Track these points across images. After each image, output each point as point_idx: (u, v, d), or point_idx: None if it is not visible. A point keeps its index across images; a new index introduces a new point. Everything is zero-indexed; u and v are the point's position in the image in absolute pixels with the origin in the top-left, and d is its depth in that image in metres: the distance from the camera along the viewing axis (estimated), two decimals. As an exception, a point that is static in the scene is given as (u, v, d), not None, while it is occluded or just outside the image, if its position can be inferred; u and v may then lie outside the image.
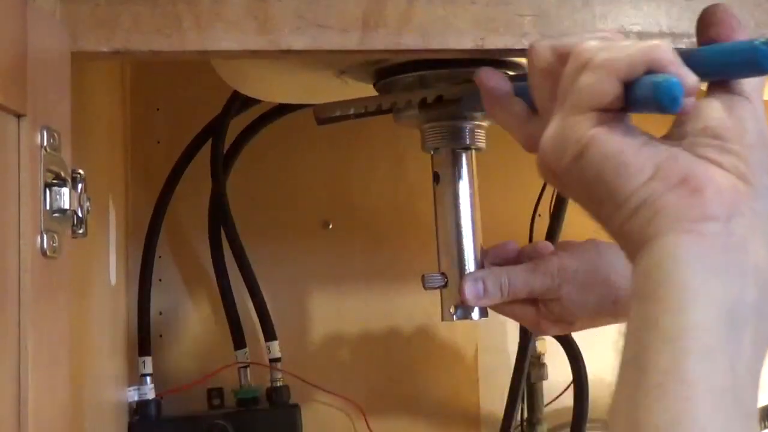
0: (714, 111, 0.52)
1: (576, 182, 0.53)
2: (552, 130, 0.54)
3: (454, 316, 0.87)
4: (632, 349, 0.47)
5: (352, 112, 0.90)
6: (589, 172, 0.51)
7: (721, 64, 0.52)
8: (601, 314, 0.85)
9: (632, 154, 0.50)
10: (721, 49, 0.53)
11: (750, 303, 0.46)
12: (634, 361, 0.46)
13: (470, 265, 0.87)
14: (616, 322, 0.87)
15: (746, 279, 0.46)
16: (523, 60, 0.85)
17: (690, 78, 0.50)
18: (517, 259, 0.89)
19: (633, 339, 0.47)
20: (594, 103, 0.52)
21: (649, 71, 0.51)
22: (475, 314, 0.87)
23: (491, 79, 0.66)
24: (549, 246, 0.88)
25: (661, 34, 0.66)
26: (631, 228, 0.50)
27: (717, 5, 0.55)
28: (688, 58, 0.52)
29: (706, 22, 0.55)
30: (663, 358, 0.44)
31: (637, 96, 0.51)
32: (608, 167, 0.51)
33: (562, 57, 0.55)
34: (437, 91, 0.83)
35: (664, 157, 0.50)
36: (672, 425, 0.43)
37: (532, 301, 0.86)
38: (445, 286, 0.87)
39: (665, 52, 0.51)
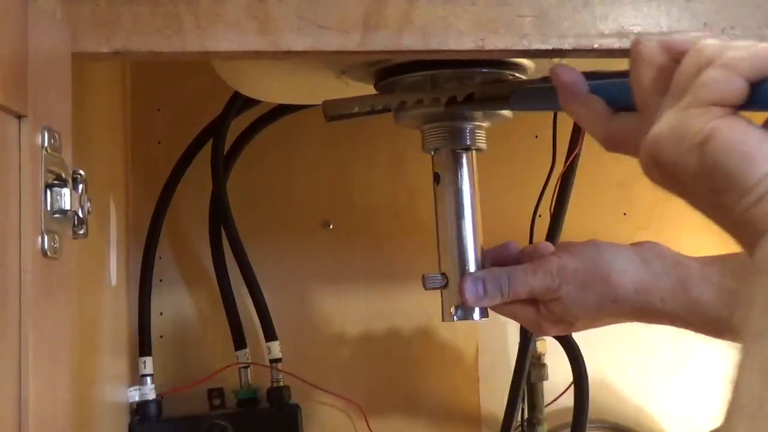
0: None
1: (691, 173, 0.54)
2: (668, 121, 0.55)
3: (455, 317, 0.87)
4: (761, 322, 0.48)
5: (368, 109, 0.89)
6: (711, 161, 0.52)
7: None
8: (601, 314, 0.85)
9: (755, 144, 0.51)
10: None
11: None
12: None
13: (471, 266, 0.87)
14: (616, 321, 0.87)
15: None
16: (523, 60, 0.85)
17: None
18: (518, 259, 0.89)
19: (760, 312, 0.49)
20: (718, 98, 0.53)
21: None
22: (476, 315, 0.87)
23: (568, 74, 0.66)
24: (550, 247, 0.88)
25: (662, 35, 0.66)
26: (754, 215, 0.52)
27: None
28: None
29: None
30: None
31: (763, 96, 0.52)
32: (733, 156, 0.51)
33: (676, 54, 0.57)
34: (468, 89, 0.83)
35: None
36: None
37: (533, 301, 0.86)
38: (446, 286, 0.87)
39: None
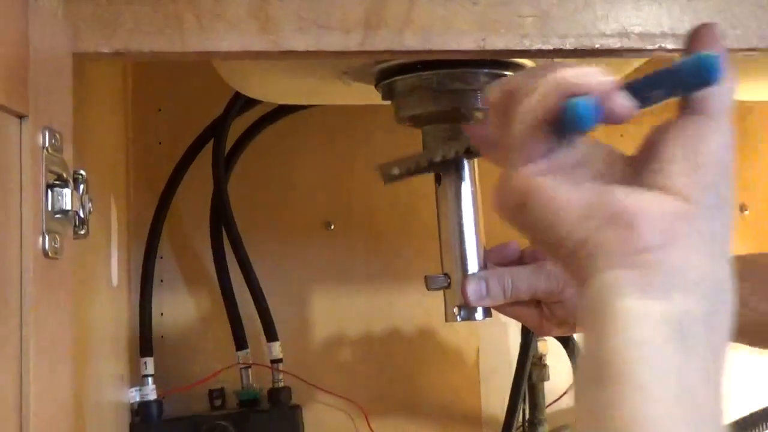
0: (667, 133, 0.53)
1: (524, 228, 0.54)
2: (498, 181, 0.55)
3: (458, 317, 0.87)
4: (587, 370, 0.47)
5: (412, 168, 0.89)
6: (530, 220, 0.52)
7: (672, 81, 0.52)
8: None
9: (565, 197, 0.51)
10: (672, 66, 0.53)
11: (699, 316, 0.46)
12: (591, 380, 0.47)
13: (473, 266, 0.87)
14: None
15: (690, 295, 0.47)
16: (525, 61, 0.85)
17: (615, 101, 0.51)
18: (520, 259, 0.89)
19: (585, 362, 0.48)
20: (524, 149, 0.53)
21: (574, 95, 0.51)
22: (479, 314, 0.87)
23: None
24: None
25: (663, 35, 0.66)
26: (573, 268, 0.51)
27: (704, 24, 0.55)
28: (641, 80, 0.52)
29: (688, 41, 0.55)
30: (612, 372, 0.45)
31: (561, 122, 0.52)
32: (544, 215, 0.51)
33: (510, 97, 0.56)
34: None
35: (596, 195, 0.50)
36: (628, 428, 0.43)
37: (536, 302, 0.86)
38: (448, 286, 0.87)
39: (581, 77, 0.51)
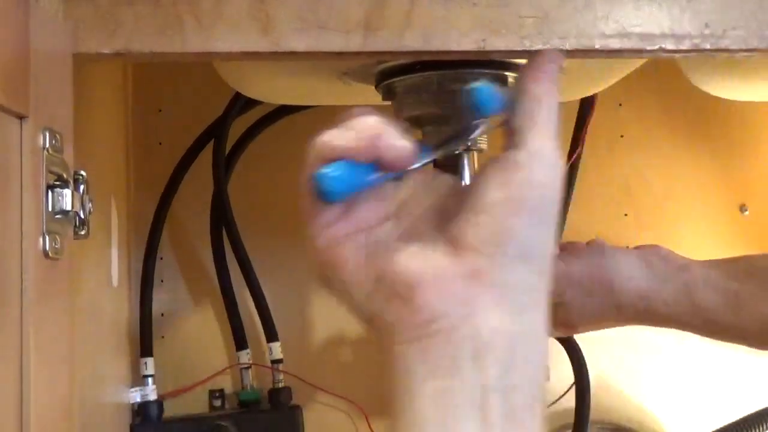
0: (482, 172, 0.50)
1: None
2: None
3: None
4: None
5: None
6: (335, 290, 0.52)
7: (459, 115, 0.52)
8: (604, 318, 0.85)
9: (354, 270, 0.49)
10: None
11: (491, 380, 0.45)
12: None
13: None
14: (620, 325, 0.87)
15: (480, 361, 0.45)
16: (525, 61, 0.85)
17: (385, 151, 0.48)
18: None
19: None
20: (311, 216, 0.51)
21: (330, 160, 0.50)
22: None
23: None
24: None
25: (663, 35, 0.66)
26: (376, 337, 0.49)
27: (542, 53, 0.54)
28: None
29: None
30: None
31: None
32: (340, 286, 0.51)
33: None
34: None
35: (382, 265, 0.48)
36: None
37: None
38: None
39: (333, 139, 0.50)
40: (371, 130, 0.49)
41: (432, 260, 0.47)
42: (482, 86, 0.50)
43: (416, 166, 0.51)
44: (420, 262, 0.47)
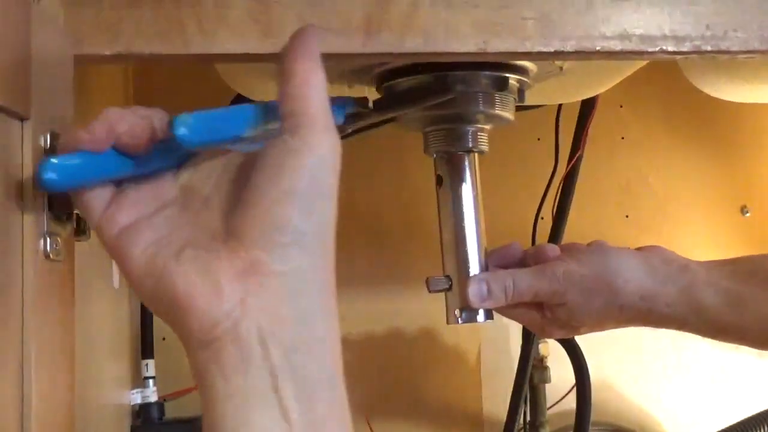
0: (256, 159, 0.49)
1: None
2: None
3: (459, 319, 0.87)
4: None
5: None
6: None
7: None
8: (606, 320, 0.85)
9: (134, 271, 0.49)
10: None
11: (277, 364, 0.45)
12: None
13: (474, 268, 0.87)
14: (622, 326, 0.87)
15: (265, 348, 0.45)
16: (526, 63, 0.85)
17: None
18: (522, 261, 0.89)
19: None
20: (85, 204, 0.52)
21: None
22: (480, 317, 0.87)
23: None
24: (555, 249, 0.88)
25: (664, 37, 0.66)
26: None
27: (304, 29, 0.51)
28: None
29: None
30: None
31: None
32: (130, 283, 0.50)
33: None
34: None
35: (160, 275, 0.47)
36: None
37: (537, 305, 0.86)
38: (450, 288, 0.87)
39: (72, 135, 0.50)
40: (109, 117, 0.50)
41: (207, 264, 0.47)
42: (182, 117, 0.48)
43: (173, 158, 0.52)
44: (194, 269, 0.47)
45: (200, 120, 0.49)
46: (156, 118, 0.51)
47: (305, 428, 0.45)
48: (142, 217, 0.50)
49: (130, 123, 0.50)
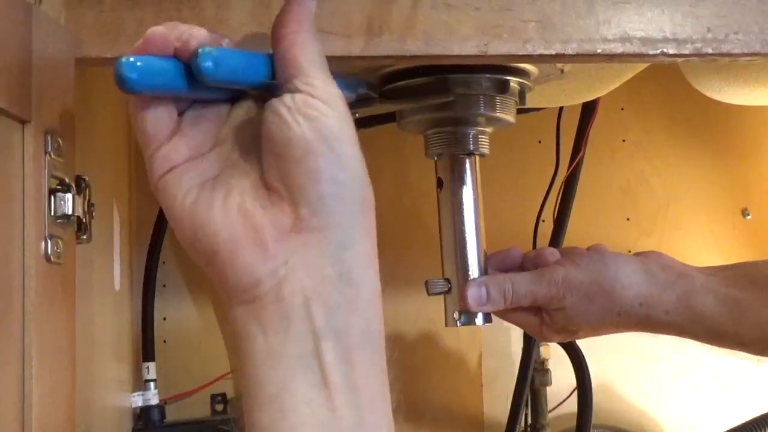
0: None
1: None
2: None
3: (458, 322, 0.87)
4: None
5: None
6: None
7: None
8: (604, 325, 0.85)
9: (178, 214, 0.49)
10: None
11: (319, 327, 0.46)
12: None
13: (474, 271, 0.87)
14: (620, 332, 0.87)
15: (308, 309, 0.46)
16: (527, 66, 0.85)
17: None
18: (521, 265, 0.89)
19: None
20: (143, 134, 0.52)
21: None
22: (479, 320, 0.87)
23: None
24: (555, 253, 0.88)
25: (665, 40, 0.66)
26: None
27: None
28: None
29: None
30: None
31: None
32: (173, 225, 0.50)
33: None
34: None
35: (203, 222, 0.48)
36: None
37: (536, 309, 0.86)
38: (449, 291, 0.87)
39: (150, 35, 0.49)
40: (182, 27, 0.49)
41: (251, 218, 0.47)
42: (207, 50, 0.48)
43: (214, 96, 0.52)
44: (239, 222, 0.47)
45: (225, 55, 0.49)
46: (214, 36, 0.50)
47: (345, 391, 0.45)
48: (194, 155, 0.50)
49: (182, 31, 0.49)
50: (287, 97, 0.48)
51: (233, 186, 0.49)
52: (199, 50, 0.48)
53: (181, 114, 0.52)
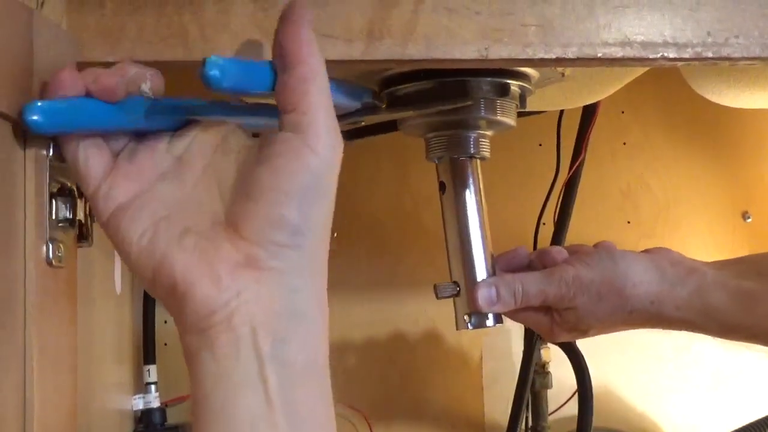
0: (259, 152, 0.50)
1: None
2: None
3: (469, 324, 0.87)
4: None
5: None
6: None
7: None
8: (615, 323, 0.85)
9: (135, 257, 0.50)
10: None
11: (266, 354, 0.47)
12: None
13: (482, 273, 0.87)
14: (630, 329, 0.87)
15: (256, 339, 0.47)
16: (528, 70, 0.85)
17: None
18: (529, 265, 0.89)
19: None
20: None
21: None
22: (490, 321, 0.87)
23: None
24: (562, 251, 0.88)
25: (665, 44, 0.66)
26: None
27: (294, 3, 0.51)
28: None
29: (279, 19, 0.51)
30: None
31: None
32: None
33: None
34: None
35: (160, 259, 0.49)
36: None
37: (546, 308, 0.86)
38: (458, 294, 0.87)
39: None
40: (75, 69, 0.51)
41: (207, 253, 0.48)
42: (214, 58, 0.48)
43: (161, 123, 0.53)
44: (195, 258, 0.48)
45: (232, 65, 0.49)
46: (134, 71, 0.51)
47: (287, 414, 0.47)
48: (139, 192, 0.51)
49: (97, 73, 0.51)
50: (289, 138, 0.48)
51: (189, 226, 0.49)
52: (206, 59, 0.48)
53: (117, 153, 0.53)
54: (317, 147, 0.48)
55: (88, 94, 0.51)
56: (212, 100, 0.55)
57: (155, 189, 0.51)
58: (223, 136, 0.53)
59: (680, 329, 0.86)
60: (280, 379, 0.47)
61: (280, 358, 0.47)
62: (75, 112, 0.50)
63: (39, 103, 0.49)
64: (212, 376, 0.47)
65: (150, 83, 0.51)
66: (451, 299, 0.88)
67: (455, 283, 0.88)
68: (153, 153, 0.53)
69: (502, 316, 0.88)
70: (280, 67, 0.50)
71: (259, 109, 0.57)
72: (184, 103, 0.54)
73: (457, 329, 0.89)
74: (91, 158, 0.51)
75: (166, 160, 0.53)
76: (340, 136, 0.50)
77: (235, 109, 0.56)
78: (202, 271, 0.47)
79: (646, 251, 0.88)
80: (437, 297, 0.87)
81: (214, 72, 0.48)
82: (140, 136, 0.53)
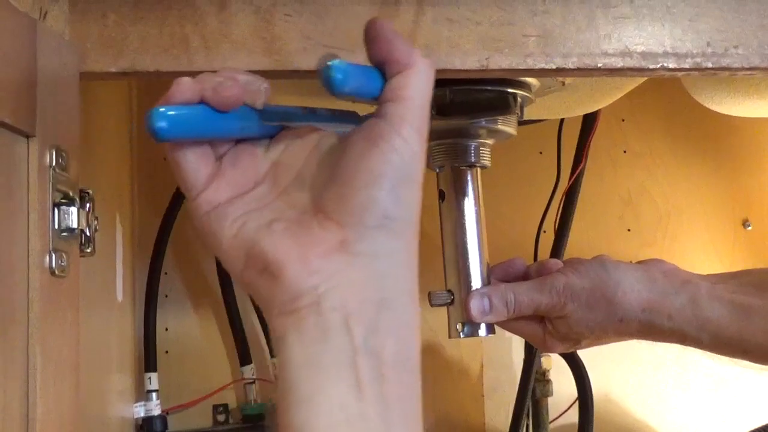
0: (346, 140, 0.50)
1: None
2: None
3: (462, 333, 0.87)
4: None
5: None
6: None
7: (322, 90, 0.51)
8: (607, 333, 0.85)
9: (226, 243, 0.50)
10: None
11: (358, 343, 0.47)
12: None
13: (476, 282, 0.87)
14: (623, 339, 0.87)
15: (348, 326, 0.46)
16: (529, 79, 0.85)
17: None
18: (525, 276, 0.89)
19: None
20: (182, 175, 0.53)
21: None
22: (482, 331, 0.87)
23: None
24: (558, 263, 0.88)
25: (665, 54, 0.67)
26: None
27: (373, 20, 0.51)
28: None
29: (365, 39, 0.52)
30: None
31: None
32: (218, 256, 0.51)
33: None
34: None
35: (249, 244, 0.49)
36: None
37: (539, 318, 0.86)
38: (452, 303, 0.87)
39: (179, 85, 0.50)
40: (218, 76, 0.50)
41: (298, 237, 0.48)
42: (337, 63, 0.48)
43: (273, 125, 0.53)
44: (286, 240, 0.48)
45: (354, 69, 0.49)
46: (253, 82, 0.51)
47: (377, 403, 0.47)
48: (237, 194, 0.51)
49: (215, 81, 0.50)
50: (378, 123, 0.49)
51: (277, 213, 0.50)
52: (330, 63, 0.48)
53: (220, 157, 0.53)
54: (402, 131, 0.49)
55: (201, 102, 0.50)
56: (305, 107, 0.55)
57: (252, 192, 0.52)
58: (317, 141, 0.54)
59: (672, 341, 0.85)
60: (372, 368, 0.47)
61: (371, 348, 0.47)
62: (194, 119, 0.49)
63: (162, 110, 0.48)
64: (301, 360, 0.46)
65: (264, 97, 0.52)
66: (446, 308, 0.88)
67: (449, 291, 0.88)
68: (254, 158, 0.53)
69: (494, 325, 0.88)
70: (389, 73, 0.51)
71: (345, 116, 0.58)
72: (285, 110, 0.54)
73: (449, 337, 0.89)
74: (198, 167, 0.52)
75: (265, 165, 0.53)
76: (425, 127, 0.50)
77: (325, 116, 0.56)
78: (291, 253, 0.47)
79: (640, 262, 0.88)
80: (431, 304, 0.88)
81: (338, 75, 0.48)
82: (240, 141, 0.54)
